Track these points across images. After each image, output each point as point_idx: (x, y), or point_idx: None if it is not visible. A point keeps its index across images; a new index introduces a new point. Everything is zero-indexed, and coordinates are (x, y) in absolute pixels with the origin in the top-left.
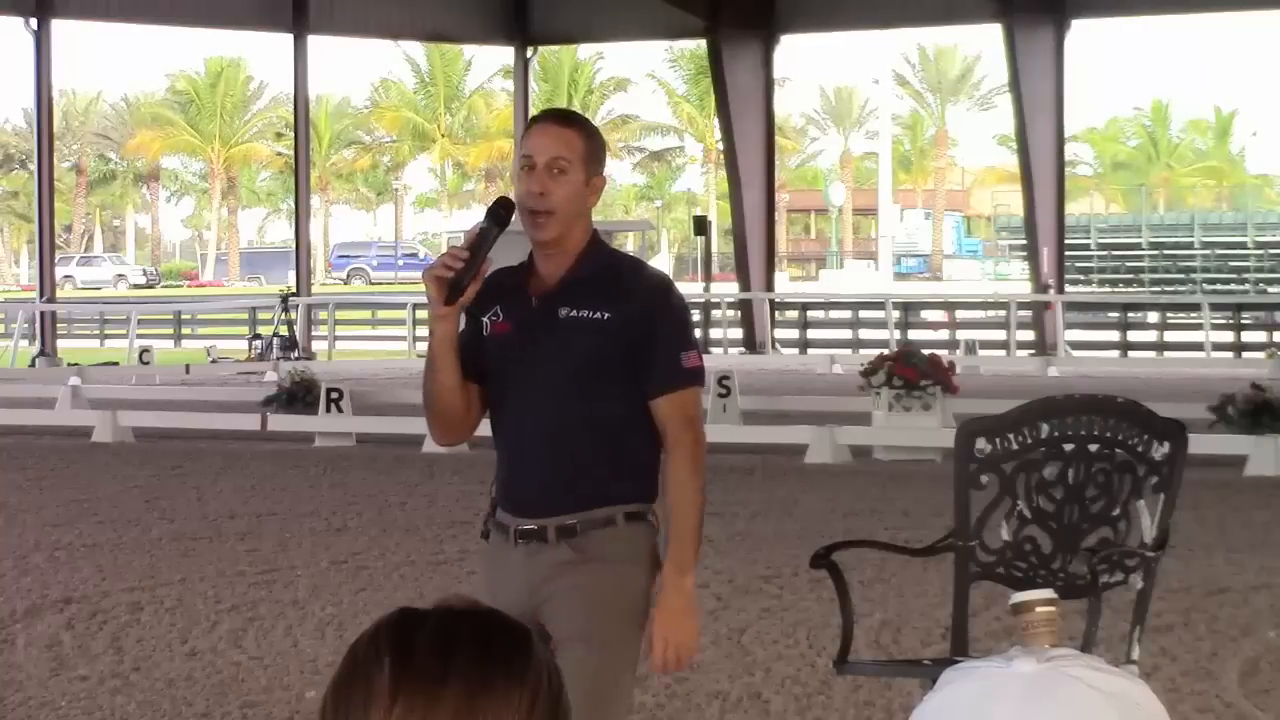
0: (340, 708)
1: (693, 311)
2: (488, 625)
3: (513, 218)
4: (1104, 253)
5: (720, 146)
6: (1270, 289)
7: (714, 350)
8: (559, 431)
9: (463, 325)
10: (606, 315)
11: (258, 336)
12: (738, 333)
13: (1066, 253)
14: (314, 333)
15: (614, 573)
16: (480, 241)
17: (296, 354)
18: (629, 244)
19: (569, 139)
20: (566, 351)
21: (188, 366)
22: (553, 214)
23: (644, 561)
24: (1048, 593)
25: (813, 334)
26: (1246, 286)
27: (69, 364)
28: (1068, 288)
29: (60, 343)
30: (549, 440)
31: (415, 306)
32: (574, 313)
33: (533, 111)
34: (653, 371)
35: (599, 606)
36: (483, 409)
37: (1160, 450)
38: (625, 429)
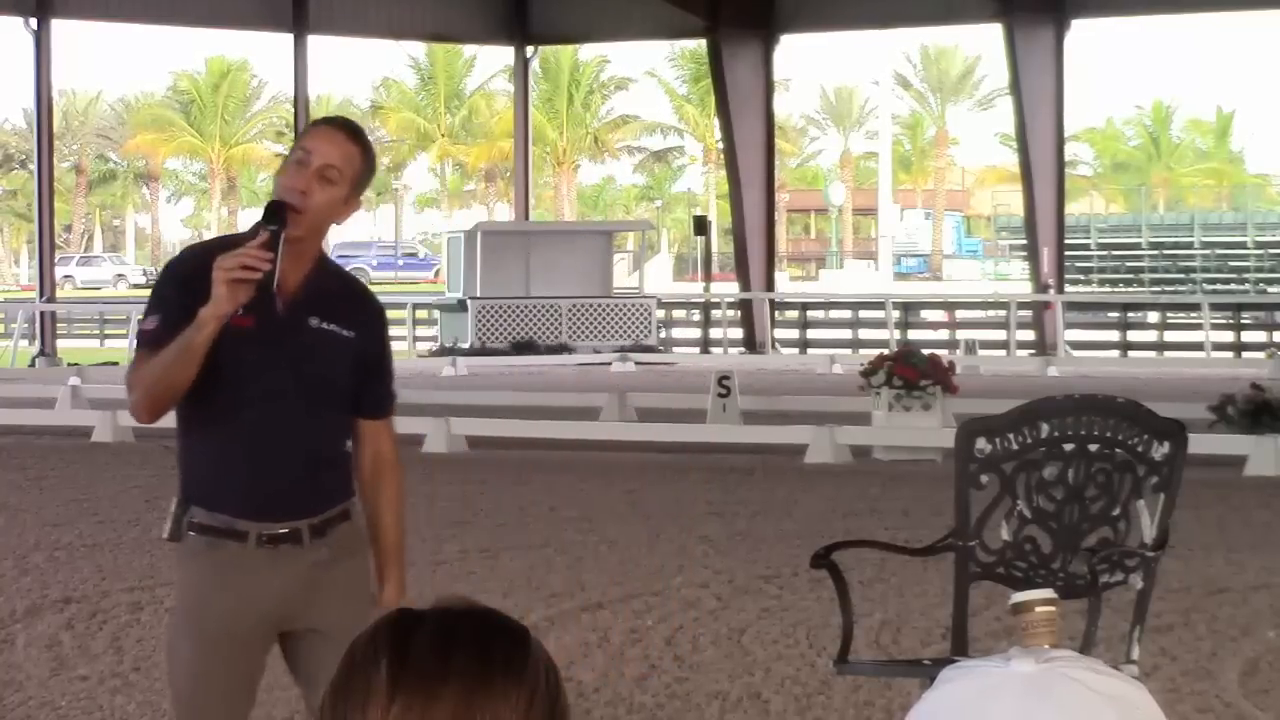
0: (338, 708)
1: (691, 311)
2: (486, 624)
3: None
4: (1104, 253)
5: (720, 146)
6: (1270, 289)
7: (714, 350)
8: (307, 438)
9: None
10: (353, 334)
11: None
12: (738, 333)
13: (1066, 253)
14: None
15: (359, 566)
16: (273, 243)
17: None
18: (629, 244)
19: (350, 154)
20: (316, 362)
21: None
22: (303, 215)
23: (367, 546)
24: (1048, 593)
25: (813, 334)
26: (1246, 286)
27: (69, 364)
28: (1068, 288)
29: (60, 343)
30: (297, 445)
31: (415, 306)
32: (324, 325)
33: (533, 112)
34: (382, 397)
35: (355, 601)
36: None
37: (1160, 450)
38: (345, 435)
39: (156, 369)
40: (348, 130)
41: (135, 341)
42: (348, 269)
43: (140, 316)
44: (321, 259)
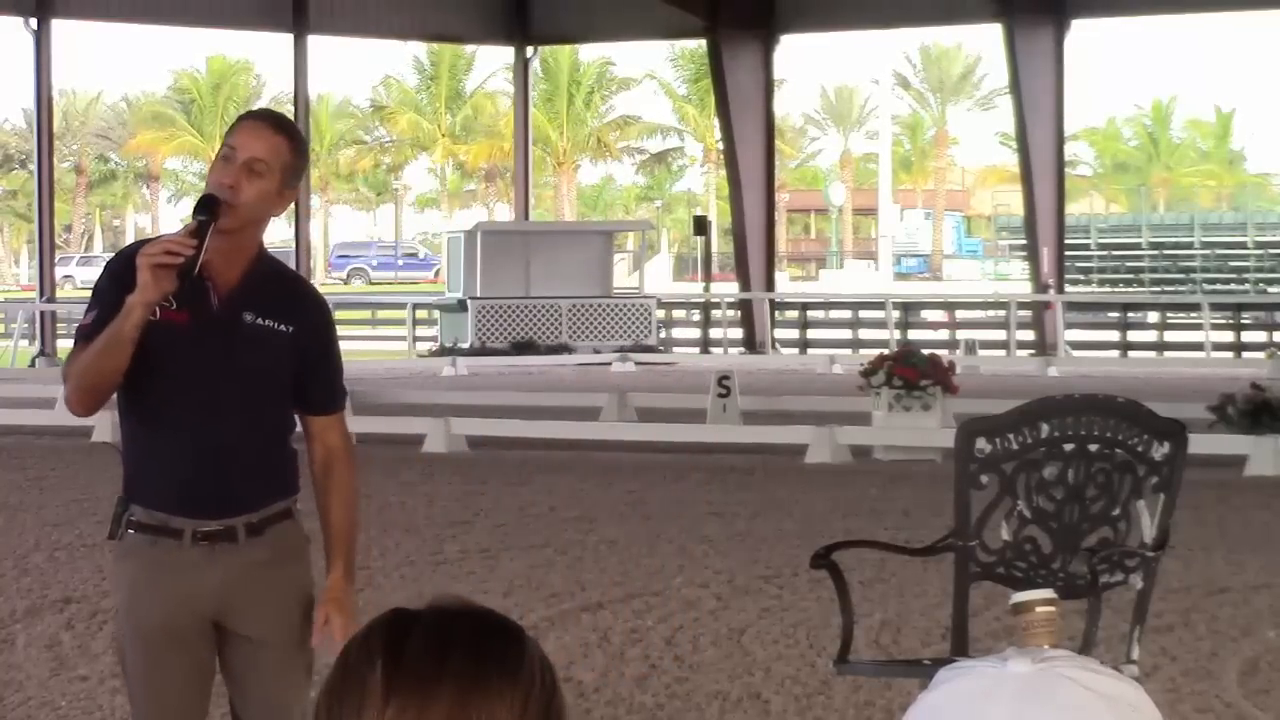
0: (334, 709)
1: (691, 312)
2: (481, 624)
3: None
4: (1104, 253)
5: (720, 147)
6: (1270, 289)
7: (714, 350)
8: (241, 434)
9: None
10: (290, 329)
11: None
12: (738, 333)
13: (1066, 253)
14: None
15: (297, 569)
16: (201, 232)
17: None
18: (629, 244)
19: (276, 145)
20: (251, 357)
21: None
22: (235, 209)
23: (307, 548)
24: (1048, 593)
25: (813, 334)
26: (1246, 286)
27: None
28: (1068, 288)
29: (60, 343)
30: (232, 442)
31: (415, 306)
32: (260, 320)
33: (533, 111)
34: (330, 392)
35: (293, 606)
36: None
37: (1160, 450)
38: (285, 430)
39: (86, 360)
40: (272, 122)
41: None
42: (349, 269)
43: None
44: (260, 255)
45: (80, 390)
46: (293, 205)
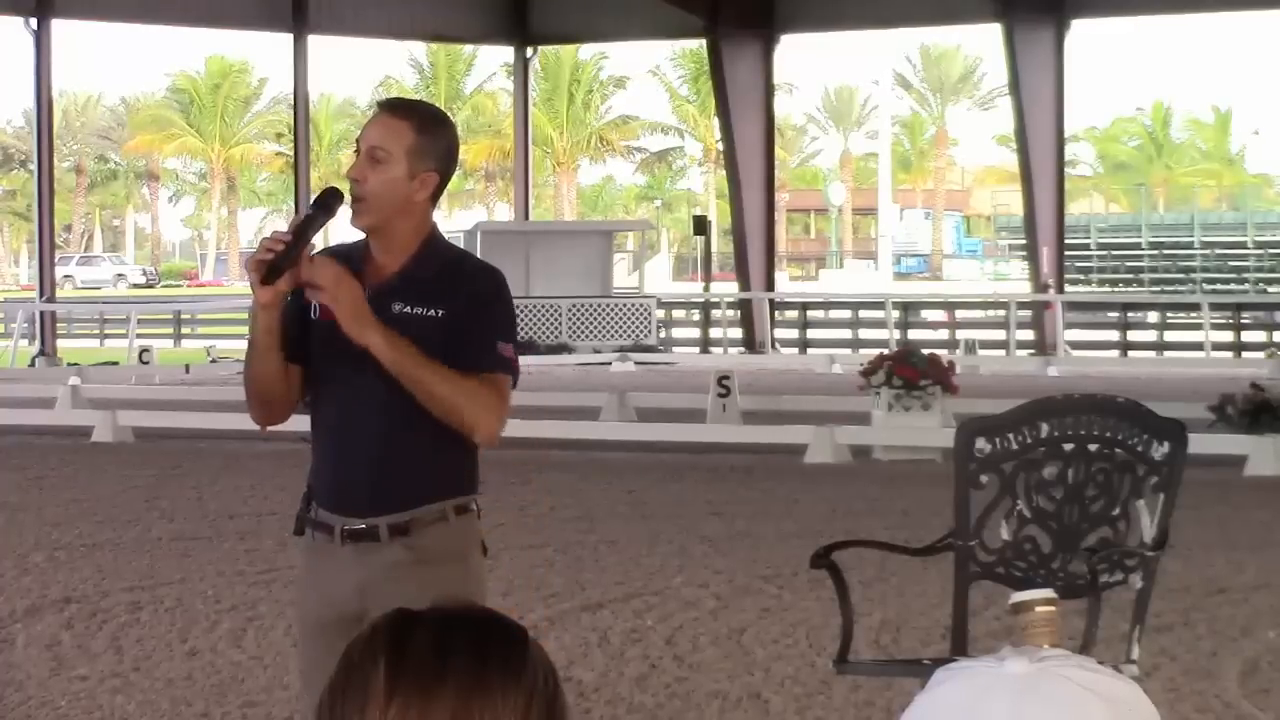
0: (336, 708)
1: (691, 311)
2: (484, 625)
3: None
4: (1104, 253)
5: (720, 147)
6: (1270, 289)
7: (714, 350)
8: (387, 428)
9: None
10: (441, 312)
11: None
12: (738, 333)
13: (1066, 253)
14: None
15: (448, 575)
16: (305, 227)
17: None
18: (629, 244)
19: (395, 129)
20: None
21: (188, 366)
22: (365, 201)
23: (475, 554)
24: (1047, 592)
25: (813, 334)
26: (1246, 286)
27: (69, 364)
28: (1068, 288)
29: (60, 343)
30: (376, 436)
31: None
32: (408, 309)
33: (533, 111)
34: (468, 350)
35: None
36: (302, 390)
37: (1160, 450)
38: (443, 426)
39: (245, 370)
40: (390, 107)
41: None
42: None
43: None
44: (427, 245)
45: (248, 400)
46: (293, 205)
